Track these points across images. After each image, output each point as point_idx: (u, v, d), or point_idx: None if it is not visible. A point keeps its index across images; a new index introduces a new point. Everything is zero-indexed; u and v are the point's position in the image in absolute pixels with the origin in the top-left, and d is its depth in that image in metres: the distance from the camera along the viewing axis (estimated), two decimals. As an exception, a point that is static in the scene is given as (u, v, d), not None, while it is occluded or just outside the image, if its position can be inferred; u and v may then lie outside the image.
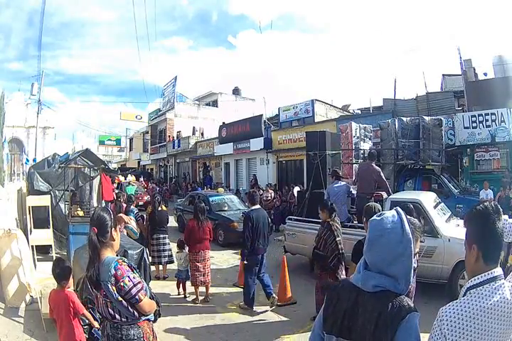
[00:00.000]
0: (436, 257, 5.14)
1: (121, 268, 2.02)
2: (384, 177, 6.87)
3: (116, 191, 11.40)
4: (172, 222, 11.39)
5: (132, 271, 2.10)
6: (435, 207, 5.94)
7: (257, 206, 5.44)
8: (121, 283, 1.99)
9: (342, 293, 1.39)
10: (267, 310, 5.12)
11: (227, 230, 9.39)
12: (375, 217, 1.40)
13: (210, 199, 10.77)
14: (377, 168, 6.90)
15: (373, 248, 1.34)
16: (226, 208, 10.63)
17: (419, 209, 5.59)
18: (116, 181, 18.09)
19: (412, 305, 1.27)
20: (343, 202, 6.56)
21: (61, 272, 3.06)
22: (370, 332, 1.25)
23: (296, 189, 11.94)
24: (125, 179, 20.15)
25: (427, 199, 5.99)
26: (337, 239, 4.46)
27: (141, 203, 15.02)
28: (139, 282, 2.07)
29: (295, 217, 7.42)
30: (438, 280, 5.09)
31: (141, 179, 23.70)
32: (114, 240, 2.15)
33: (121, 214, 6.22)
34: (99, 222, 2.11)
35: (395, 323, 1.22)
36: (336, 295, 1.41)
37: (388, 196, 6.25)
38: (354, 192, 6.92)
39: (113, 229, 2.14)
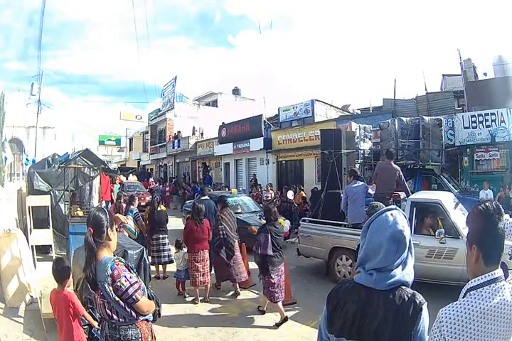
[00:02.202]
0: (457, 259, 4.95)
1: (117, 268, 2.01)
2: (403, 177, 6.64)
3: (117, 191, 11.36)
4: (180, 225, 11.27)
5: (129, 270, 2.08)
6: (455, 207, 5.77)
7: (206, 197, 7.14)
8: (118, 283, 1.97)
9: (349, 295, 1.38)
10: (265, 310, 5.13)
11: (244, 234, 8.48)
12: (385, 224, 1.37)
13: None
14: (397, 166, 6.62)
15: (388, 255, 1.33)
16: (240, 210, 9.78)
17: (440, 210, 5.46)
18: (117, 181, 17.88)
19: (418, 294, 1.36)
20: (362, 203, 6.26)
21: (61, 272, 3.06)
22: (389, 328, 1.27)
23: (290, 193, 11.85)
24: (127, 179, 19.87)
25: (447, 199, 5.82)
26: (219, 226, 5.77)
27: (142, 204, 14.87)
28: (136, 282, 2.05)
29: (310, 219, 7.14)
30: (459, 282, 4.78)
31: (151, 180, 23.31)
32: (110, 240, 2.13)
33: (117, 214, 6.22)
34: (95, 222, 2.09)
35: (415, 315, 1.28)
36: (341, 298, 1.39)
37: (407, 196, 6.11)
38: (372, 192, 6.62)
39: (109, 228, 2.12)
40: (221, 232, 5.73)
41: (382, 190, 6.37)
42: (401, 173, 6.50)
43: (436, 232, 5.08)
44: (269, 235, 4.77)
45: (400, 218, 1.38)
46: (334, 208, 6.85)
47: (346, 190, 6.46)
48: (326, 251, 6.32)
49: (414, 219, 5.47)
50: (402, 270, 1.35)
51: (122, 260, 2.12)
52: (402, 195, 6.62)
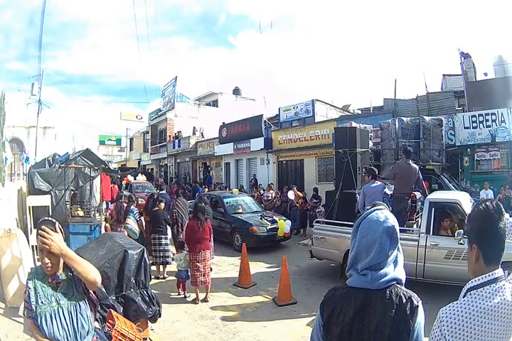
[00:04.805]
0: None
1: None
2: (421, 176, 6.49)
3: (122, 191, 11.26)
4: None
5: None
6: (472, 207, 5.69)
7: (163, 191, 9.75)
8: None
9: (345, 299, 1.37)
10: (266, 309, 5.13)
11: (246, 235, 8.71)
12: (377, 220, 1.39)
13: (225, 200, 10.07)
14: (416, 166, 6.44)
15: (382, 249, 1.36)
16: (241, 210, 9.84)
17: (458, 210, 5.35)
18: (125, 181, 17.64)
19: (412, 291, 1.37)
20: None
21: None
22: (388, 326, 1.27)
23: (291, 193, 11.79)
24: (135, 179, 19.13)
25: (465, 199, 5.72)
26: (173, 210, 7.71)
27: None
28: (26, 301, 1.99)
29: (324, 220, 6.90)
30: None
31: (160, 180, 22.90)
32: None
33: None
34: None
35: (413, 312, 1.29)
36: (337, 304, 1.38)
37: (424, 196, 6.04)
38: (389, 192, 6.41)
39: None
40: (175, 215, 7.58)
41: (402, 190, 6.15)
42: (420, 173, 6.34)
43: (456, 233, 4.87)
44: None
45: (390, 215, 1.42)
46: (350, 208, 6.71)
47: (364, 190, 6.25)
48: (341, 253, 6.04)
49: (432, 219, 5.39)
50: (395, 268, 1.37)
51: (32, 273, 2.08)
52: (418, 194, 6.55)
